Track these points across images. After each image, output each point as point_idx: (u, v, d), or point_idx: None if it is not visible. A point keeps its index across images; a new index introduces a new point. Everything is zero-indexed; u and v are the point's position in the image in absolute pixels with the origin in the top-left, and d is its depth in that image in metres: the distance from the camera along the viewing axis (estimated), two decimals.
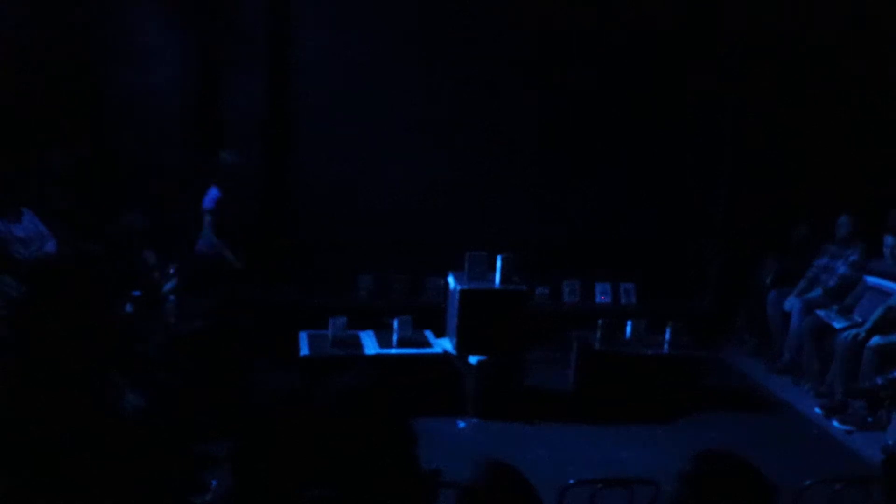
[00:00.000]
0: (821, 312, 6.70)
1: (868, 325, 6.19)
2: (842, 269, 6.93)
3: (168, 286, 5.66)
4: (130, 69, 7.43)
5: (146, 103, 7.47)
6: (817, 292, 6.99)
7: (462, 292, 6.06)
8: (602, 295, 7.97)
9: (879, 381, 5.69)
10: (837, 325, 6.49)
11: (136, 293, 5.38)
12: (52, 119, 7.03)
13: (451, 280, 6.36)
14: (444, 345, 6.26)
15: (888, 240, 6.48)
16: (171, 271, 5.77)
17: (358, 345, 6.13)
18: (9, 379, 3.35)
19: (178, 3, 7.57)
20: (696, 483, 2.32)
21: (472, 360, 6.06)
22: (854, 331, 6.22)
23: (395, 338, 6.15)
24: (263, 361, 6.20)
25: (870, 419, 5.92)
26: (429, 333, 6.42)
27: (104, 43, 7.44)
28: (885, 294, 6.43)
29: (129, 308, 5.18)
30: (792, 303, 7.05)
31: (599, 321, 6.46)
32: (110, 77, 7.46)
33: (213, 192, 6.50)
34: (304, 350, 5.97)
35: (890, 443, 5.22)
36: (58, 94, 7.06)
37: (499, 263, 6.16)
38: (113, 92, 7.44)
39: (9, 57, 6.80)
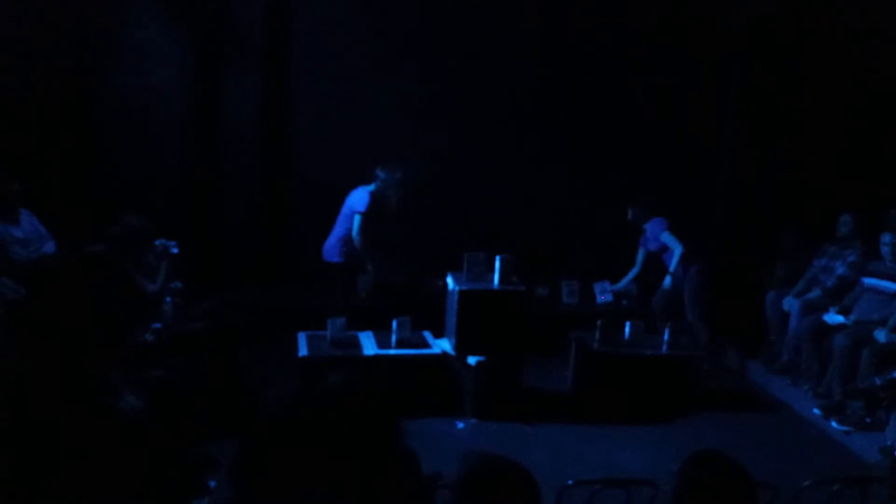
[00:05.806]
0: (827, 317, 6.66)
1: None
2: (840, 269, 6.92)
3: (160, 281, 5.59)
4: (128, 69, 7.43)
5: (144, 103, 7.47)
6: (816, 293, 6.98)
7: (461, 293, 6.05)
8: (602, 295, 7.96)
9: (878, 381, 5.68)
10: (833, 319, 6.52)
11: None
12: (50, 119, 7.03)
13: (449, 280, 6.35)
14: (443, 345, 6.26)
15: (885, 237, 6.49)
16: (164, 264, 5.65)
17: (357, 345, 6.12)
18: (9, 380, 3.35)
19: (176, 4, 7.57)
20: (686, 484, 2.33)
21: (471, 360, 6.05)
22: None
23: (393, 339, 6.13)
24: (262, 362, 6.20)
25: (868, 420, 5.92)
26: (427, 334, 6.41)
27: (102, 43, 7.44)
28: (883, 294, 6.43)
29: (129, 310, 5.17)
30: (790, 303, 7.05)
31: (598, 322, 6.47)
32: (108, 77, 7.46)
33: (365, 195, 6.85)
34: (303, 351, 5.96)
35: (889, 443, 5.24)
36: (56, 95, 7.06)
37: (497, 264, 6.15)
38: (111, 92, 7.44)
39: (6, 57, 6.80)
